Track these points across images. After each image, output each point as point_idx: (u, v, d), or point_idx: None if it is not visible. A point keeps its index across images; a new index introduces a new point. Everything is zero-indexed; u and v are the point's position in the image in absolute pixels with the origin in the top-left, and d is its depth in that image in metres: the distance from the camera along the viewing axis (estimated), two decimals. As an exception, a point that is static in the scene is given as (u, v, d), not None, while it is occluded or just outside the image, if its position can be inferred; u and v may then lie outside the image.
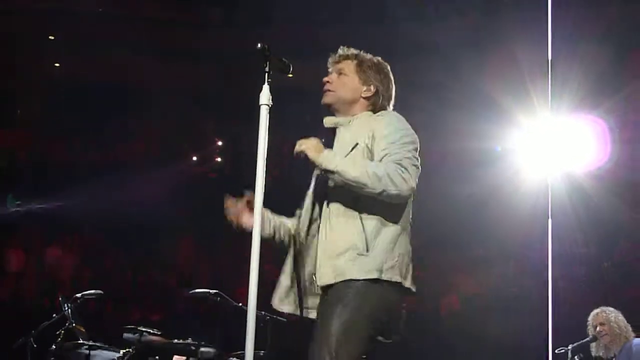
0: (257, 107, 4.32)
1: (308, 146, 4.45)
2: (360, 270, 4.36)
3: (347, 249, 4.38)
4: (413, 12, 14.76)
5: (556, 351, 8.06)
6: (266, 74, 4.36)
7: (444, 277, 13.97)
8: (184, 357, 8.13)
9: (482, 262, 14.07)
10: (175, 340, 7.90)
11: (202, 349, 7.75)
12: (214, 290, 7.67)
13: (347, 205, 4.45)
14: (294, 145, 4.43)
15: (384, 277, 4.38)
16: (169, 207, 14.36)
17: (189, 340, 7.85)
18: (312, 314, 4.55)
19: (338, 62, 4.79)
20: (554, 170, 10.55)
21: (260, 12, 15.60)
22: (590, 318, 8.07)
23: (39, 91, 16.42)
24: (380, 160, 4.39)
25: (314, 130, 4.60)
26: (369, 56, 4.80)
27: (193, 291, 8.14)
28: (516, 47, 12.78)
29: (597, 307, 8.14)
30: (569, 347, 7.90)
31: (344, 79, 4.70)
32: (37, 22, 15.07)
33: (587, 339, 7.93)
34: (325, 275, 4.40)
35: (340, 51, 4.82)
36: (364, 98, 4.70)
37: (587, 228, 11.84)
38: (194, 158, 18.02)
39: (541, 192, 10.49)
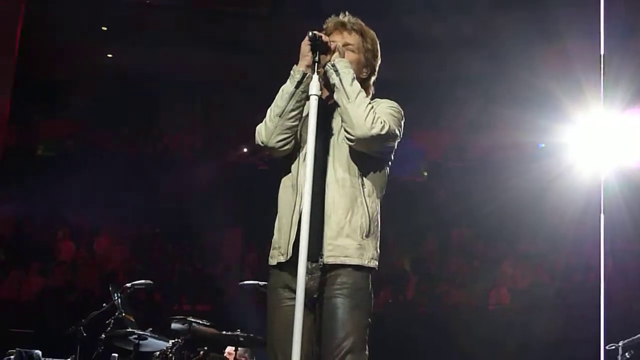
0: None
1: (341, 47, 4.41)
2: (364, 257, 4.32)
3: (354, 230, 4.33)
4: (461, 5, 14.65)
5: (607, 347, 7.95)
6: (315, 64, 4.31)
7: (494, 270, 13.89)
8: (234, 348, 8.18)
9: (533, 257, 13.97)
10: (224, 332, 7.92)
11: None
12: (263, 283, 7.67)
13: (352, 180, 4.38)
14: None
15: (374, 265, 4.38)
16: (218, 199, 14.40)
17: (238, 332, 7.87)
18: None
19: (346, 30, 4.64)
20: (607, 166, 10.42)
21: (308, 3, 15.57)
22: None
23: (90, 82, 16.52)
24: None
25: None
26: (370, 33, 4.68)
27: (242, 283, 8.15)
28: (568, 42, 12.66)
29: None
30: (620, 344, 7.79)
31: (351, 56, 4.57)
32: (88, 12, 15.15)
33: (639, 336, 7.83)
34: (333, 253, 4.30)
35: (348, 19, 4.66)
36: (360, 79, 4.60)
37: (640, 223, 11.70)
38: (244, 149, 18.05)
39: (594, 188, 10.34)
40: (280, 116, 4.39)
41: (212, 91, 18.64)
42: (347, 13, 4.63)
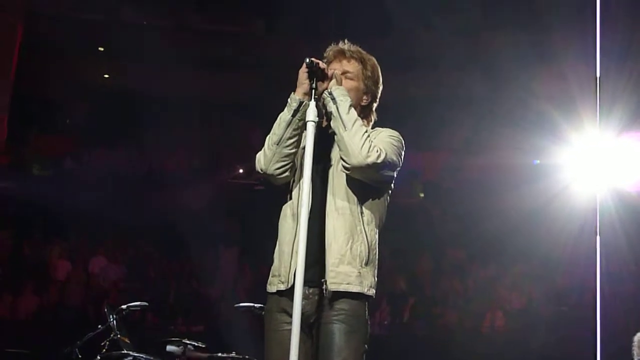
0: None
1: (338, 75, 4.41)
2: (364, 284, 4.34)
3: (354, 258, 4.34)
4: (458, 26, 14.71)
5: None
6: (313, 90, 4.32)
7: (488, 292, 13.88)
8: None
9: (528, 278, 13.97)
10: (220, 354, 7.90)
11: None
12: (258, 305, 7.65)
13: (351, 209, 4.39)
14: None
15: (372, 293, 4.40)
16: (214, 219, 14.39)
17: (233, 354, 7.85)
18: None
19: (346, 58, 4.64)
20: (602, 187, 10.46)
21: (303, 21, 15.63)
22: (636, 339, 7.95)
23: (86, 101, 16.55)
24: None
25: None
26: (371, 60, 4.69)
27: (237, 305, 8.13)
28: (564, 63, 12.71)
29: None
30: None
31: (350, 84, 4.58)
32: (86, 33, 15.20)
33: (633, 360, 7.82)
34: (335, 280, 4.31)
35: (347, 47, 4.67)
36: (361, 106, 4.62)
37: (636, 246, 11.70)
38: (240, 170, 18.04)
39: (589, 209, 10.40)
40: (277, 144, 4.41)
41: (208, 110, 18.67)
42: (346, 41, 4.65)
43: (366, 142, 4.27)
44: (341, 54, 4.61)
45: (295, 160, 4.49)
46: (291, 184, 4.53)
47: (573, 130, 11.74)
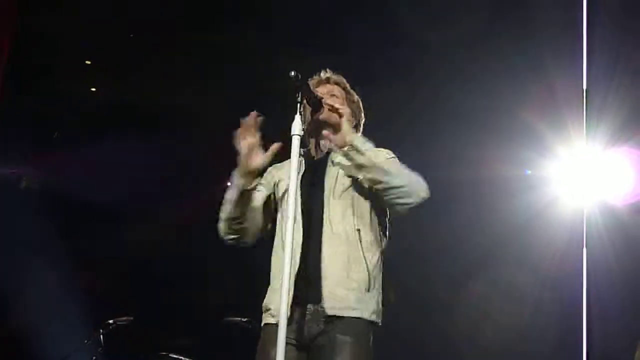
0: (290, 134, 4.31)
1: (346, 112, 4.37)
2: (366, 311, 4.31)
3: (354, 284, 4.32)
4: (441, 35, 14.71)
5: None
6: (298, 104, 4.33)
7: (477, 306, 13.86)
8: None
9: (517, 290, 13.96)
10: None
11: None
12: (246, 318, 7.65)
13: (348, 236, 4.37)
14: None
15: (375, 319, 4.37)
16: (204, 232, 14.34)
17: (221, 368, 7.85)
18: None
19: (329, 84, 4.67)
20: (590, 200, 10.49)
21: (294, 34, 15.61)
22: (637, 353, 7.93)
23: (75, 115, 16.50)
24: None
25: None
26: (353, 90, 4.73)
27: (226, 319, 8.13)
28: (551, 75, 12.72)
29: (631, 343, 8.01)
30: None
31: (337, 102, 4.59)
32: (73, 47, 15.16)
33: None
34: (334, 304, 4.29)
35: (330, 74, 4.70)
36: None
37: (624, 260, 11.71)
38: (229, 183, 17.95)
39: (576, 222, 10.42)
40: (227, 220, 4.43)
41: (197, 124, 18.62)
42: (327, 70, 4.69)
43: (415, 175, 4.27)
44: (326, 81, 4.66)
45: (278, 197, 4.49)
46: (279, 218, 4.54)
47: (560, 143, 11.76)
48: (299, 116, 4.29)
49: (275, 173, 4.78)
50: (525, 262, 12.91)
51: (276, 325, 4.21)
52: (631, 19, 11.68)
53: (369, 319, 4.44)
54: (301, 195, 4.37)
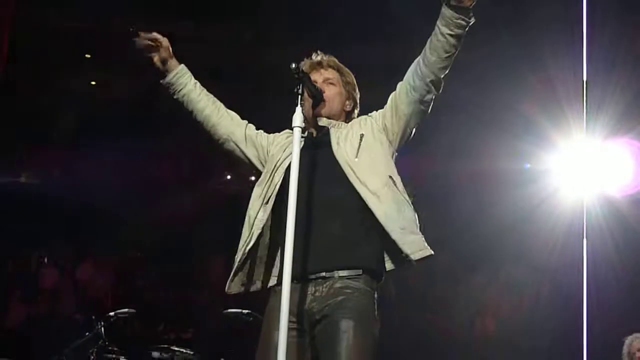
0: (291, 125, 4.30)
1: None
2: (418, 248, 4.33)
3: (411, 223, 4.33)
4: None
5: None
6: (299, 96, 4.31)
7: (477, 298, 13.86)
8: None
9: (517, 283, 13.96)
10: (208, 361, 7.90)
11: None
12: (246, 311, 7.64)
13: (384, 183, 4.38)
14: None
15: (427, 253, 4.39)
16: (203, 226, 14.36)
17: (221, 360, 7.86)
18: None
19: (323, 68, 4.67)
20: (589, 192, 10.48)
21: (293, 29, 15.58)
22: (625, 345, 7.94)
23: (73, 110, 16.49)
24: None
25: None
26: (346, 68, 4.74)
27: (226, 310, 8.12)
28: (552, 67, 12.71)
29: (630, 334, 8.02)
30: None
31: (333, 90, 4.60)
32: (72, 41, 15.14)
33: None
34: (412, 250, 4.28)
35: (324, 57, 4.71)
36: (345, 112, 4.63)
37: (623, 251, 11.72)
38: (228, 177, 17.97)
39: (576, 214, 10.42)
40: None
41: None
42: (319, 52, 4.68)
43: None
44: (318, 65, 4.66)
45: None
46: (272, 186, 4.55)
47: (560, 135, 11.75)
48: (300, 108, 4.25)
49: (276, 142, 4.70)
50: (526, 253, 12.92)
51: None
52: (630, 11, 11.69)
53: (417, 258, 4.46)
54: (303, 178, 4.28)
